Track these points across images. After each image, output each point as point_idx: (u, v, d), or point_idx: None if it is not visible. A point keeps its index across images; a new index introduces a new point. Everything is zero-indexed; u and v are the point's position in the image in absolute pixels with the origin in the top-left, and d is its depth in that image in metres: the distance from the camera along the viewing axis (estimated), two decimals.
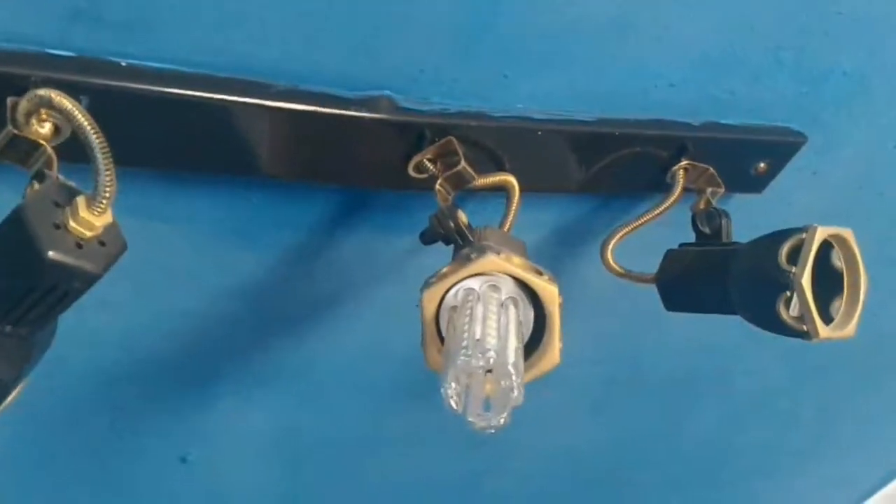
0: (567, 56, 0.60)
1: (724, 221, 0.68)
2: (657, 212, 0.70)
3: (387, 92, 0.58)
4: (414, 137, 0.59)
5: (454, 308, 0.50)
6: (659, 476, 1.19)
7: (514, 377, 0.42)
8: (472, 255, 0.49)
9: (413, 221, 0.66)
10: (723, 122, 0.71)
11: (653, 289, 0.71)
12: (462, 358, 0.42)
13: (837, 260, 0.61)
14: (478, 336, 0.43)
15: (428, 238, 0.57)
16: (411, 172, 0.61)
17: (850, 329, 0.62)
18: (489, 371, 0.43)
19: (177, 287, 0.67)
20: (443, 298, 0.50)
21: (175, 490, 0.88)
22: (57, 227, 0.41)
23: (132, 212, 0.58)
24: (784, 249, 0.60)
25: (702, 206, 0.69)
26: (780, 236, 0.61)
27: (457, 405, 0.43)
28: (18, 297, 0.42)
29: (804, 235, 0.60)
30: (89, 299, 0.42)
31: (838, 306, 0.63)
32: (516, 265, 0.49)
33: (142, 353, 0.72)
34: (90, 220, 0.42)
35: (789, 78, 0.70)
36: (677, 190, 0.70)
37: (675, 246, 0.71)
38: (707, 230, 0.68)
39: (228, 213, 0.63)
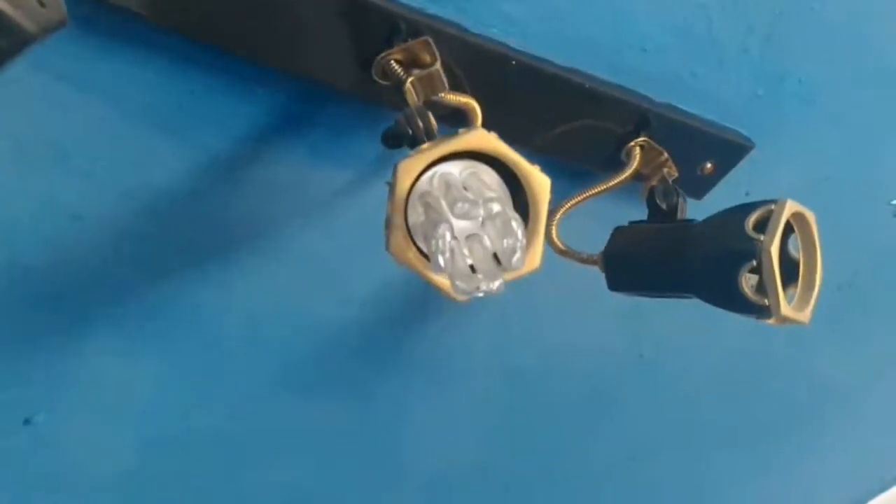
0: None
1: (680, 200, 0.66)
2: (609, 185, 0.68)
3: None
4: (386, 29, 0.54)
5: (427, 194, 0.45)
6: None
7: (518, 233, 0.37)
8: (459, 132, 0.44)
9: (354, 154, 0.64)
10: (681, 106, 0.70)
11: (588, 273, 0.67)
12: (461, 205, 0.37)
13: (793, 249, 0.60)
14: (476, 194, 0.38)
15: (392, 139, 0.52)
16: (375, 75, 0.56)
17: (807, 314, 0.61)
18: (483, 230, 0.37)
19: (64, 177, 0.58)
20: (416, 180, 0.45)
21: (10, 455, 0.75)
22: None
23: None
24: (752, 219, 0.59)
25: (659, 181, 0.67)
26: (746, 207, 0.60)
27: (444, 263, 0.37)
28: None
29: (773, 207, 0.59)
30: None
31: (793, 293, 0.61)
32: (506, 147, 0.44)
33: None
34: None
35: (749, 72, 0.71)
36: (633, 166, 0.68)
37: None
38: (664, 206, 0.66)
39: (160, 99, 0.56)
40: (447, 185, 0.44)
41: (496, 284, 0.40)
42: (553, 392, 0.99)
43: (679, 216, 0.67)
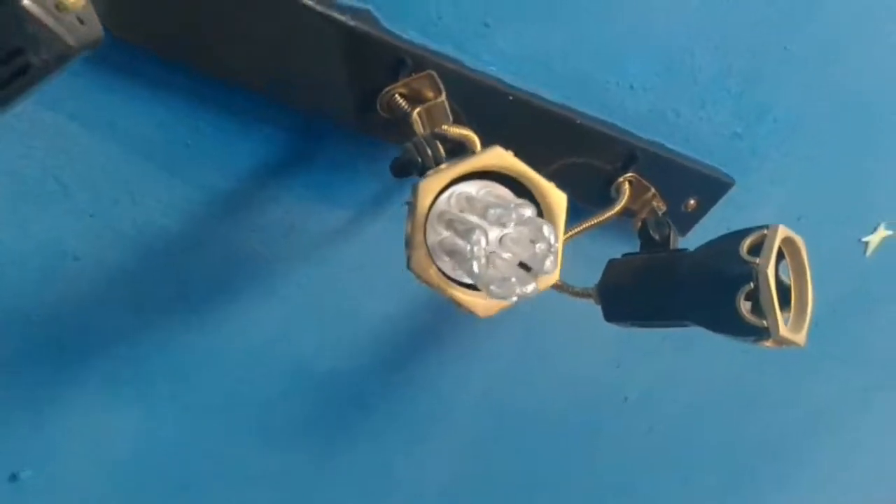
0: (548, 17, 0.61)
1: (672, 231, 0.69)
2: (600, 219, 0.70)
3: (371, 7, 0.55)
4: (392, 62, 0.57)
5: (446, 213, 0.46)
6: None
7: (551, 238, 0.38)
8: (476, 151, 0.46)
9: (351, 192, 0.65)
10: (666, 144, 0.73)
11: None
12: (494, 210, 0.39)
13: (784, 275, 0.63)
14: (507, 203, 0.40)
15: (400, 168, 0.54)
16: (379, 108, 0.58)
17: (802, 336, 0.63)
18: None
19: (65, 217, 0.58)
20: (434, 201, 0.46)
21: None
22: None
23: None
24: (746, 243, 0.61)
25: (650, 214, 0.69)
26: (739, 234, 0.63)
27: (479, 269, 0.39)
28: None
29: (766, 231, 0.61)
30: None
31: (787, 316, 0.64)
32: (523, 164, 0.46)
33: None
34: None
35: (729, 111, 0.75)
36: (623, 201, 0.71)
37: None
38: (657, 237, 0.68)
39: (164, 136, 0.57)
40: (468, 199, 0.45)
41: (530, 288, 0.41)
42: (541, 433, 0.99)
43: (672, 247, 0.69)
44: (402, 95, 0.57)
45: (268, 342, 0.74)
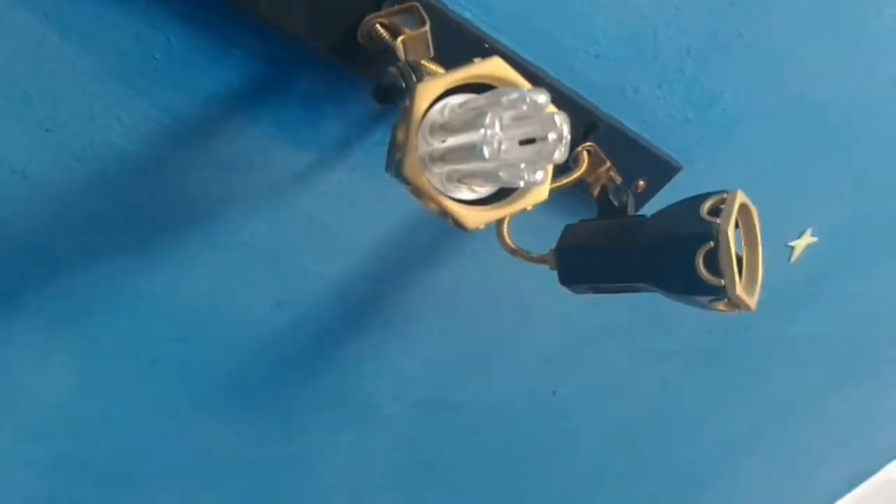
0: None
1: (630, 198, 0.70)
2: (558, 185, 0.71)
3: None
4: None
5: (437, 126, 0.46)
6: None
7: (564, 129, 0.39)
8: (475, 60, 0.46)
9: (316, 134, 0.65)
10: (622, 120, 0.76)
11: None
12: (508, 96, 0.39)
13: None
14: (512, 92, 0.40)
15: (382, 93, 0.53)
16: (360, 37, 0.58)
17: (754, 301, 0.65)
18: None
19: (21, 128, 0.57)
20: (427, 110, 0.46)
21: None
22: None
23: None
24: (706, 205, 0.63)
25: (609, 181, 0.71)
26: (698, 197, 0.65)
27: (490, 153, 0.39)
28: None
29: (725, 195, 0.63)
30: None
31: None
32: (520, 76, 0.47)
33: None
34: None
35: (683, 94, 0.77)
36: (581, 169, 0.72)
37: None
38: (616, 203, 0.70)
39: (136, 49, 0.56)
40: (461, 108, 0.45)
41: (539, 175, 0.41)
42: (473, 428, 0.98)
43: (629, 213, 0.71)
44: (382, 26, 0.57)
45: (207, 293, 0.72)
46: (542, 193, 0.48)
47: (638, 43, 0.71)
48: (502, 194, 0.49)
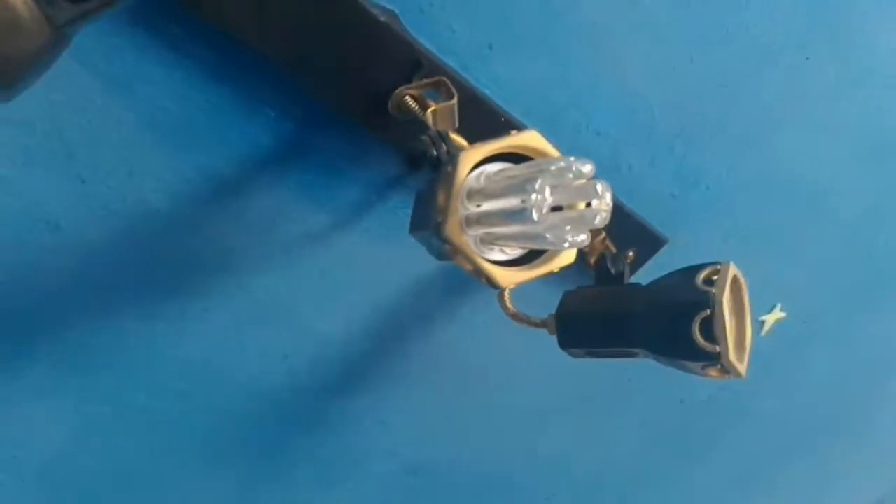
0: (541, 53, 0.68)
1: (626, 266, 0.75)
2: None
3: (394, 9, 0.60)
4: (410, 63, 0.61)
5: (473, 191, 0.51)
6: None
7: (607, 197, 0.43)
8: (512, 132, 0.51)
9: (334, 195, 0.68)
10: (616, 194, 0.81)
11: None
12: (556, 165, 0.43)
13: None
14: (560, 161, 0.44)
15: (414, 159, 0.58)
16: (390, 107, 0.62)
17: (744, 367, 0.70)
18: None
19: (59, 180, 0.59)
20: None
21: None
22: None
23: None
24: (701, 275, 0.68)
25: (606, 250, 0.75)
26: (692, 268, 0.70)
27: (539, 216, 0.43)
28: None
29: (720, 266, 0.69)
30: None
31: None
32: (553, 148, 0.51)
33: None
34: None
35: (671, 172, 0.83)
36: None
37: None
38: (613, 271, 0.74)
39: (177, 106, 0.59)
40: (500, 174, 0.49)
41: (581, 237, 0.45)
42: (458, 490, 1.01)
43: (625, 281, 0.75)
44: (412, 98, 0.61)
45: (217, 347, 0.73)
46: (569, 257, 0.52)
47: (635, 121, 0.77)
48: (530, 257, 0.53)
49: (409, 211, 0.69)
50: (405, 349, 0.83)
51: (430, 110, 0.59)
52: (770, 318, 1.08)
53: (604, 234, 0.79)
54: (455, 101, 0.60)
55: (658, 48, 0.71)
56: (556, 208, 0.47)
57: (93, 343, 0.68)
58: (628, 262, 0.87)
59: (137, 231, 0.62)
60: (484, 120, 0.66)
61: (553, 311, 0.75)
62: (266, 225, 0.67)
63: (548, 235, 0.43)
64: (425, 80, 0.61)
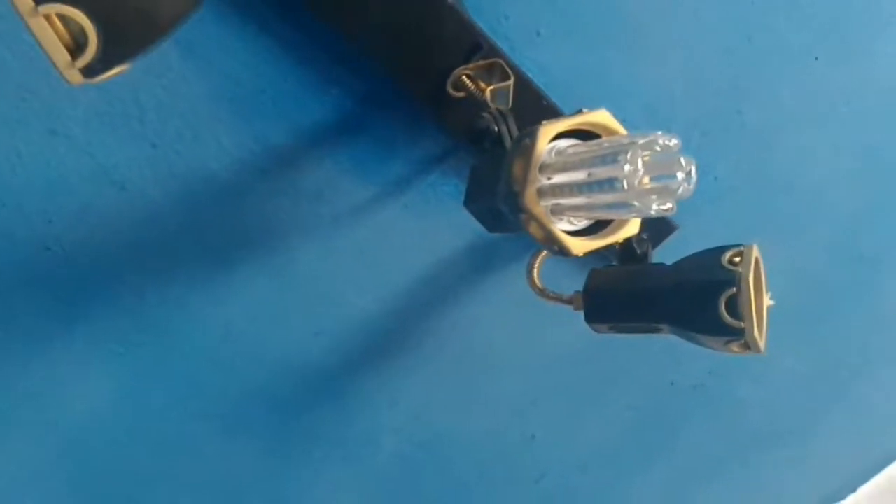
0: (583, 43, 0.72)
1: (649, 247, 0.80)
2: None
3: None
4: (470, 45, 0.64)
5: (545, 165, 0.55)
6: None
7: (691, 169, 0.47)
8: (584, 110, 0.55)
9: (383, 171, 0.71)
10: None
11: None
12: (646, 138, 0.47)
13: None
14: (648, 135, 0.49)
15: (476, 134, 0.61)
16: (449, 88, 0.66)
17: (763, 343, 0.75)
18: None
19: (132, 142, 0.61)
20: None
21: None
22: None
23: None
24: (727, 256, 0.73)
25: None
26: (717, 249, 0.74)
27: (629, 186, 0.47)
28: None
29: (744, 248, 0.73)
30: None
31: None
32: (621, 126, 0.55)
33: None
34: None
35: None
36: None
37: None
38: (639, 251, 0.79)
39: (249, 77, 0.61)
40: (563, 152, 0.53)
41: (668, 205, 0.49)
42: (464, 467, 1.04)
43: (649, 261, 0.80)
44: (468, 77, 0.65)
45: (256, 319, 0.76)
46: (633, 228, 0.56)
47: (658, 111, 0.81)
48: (594, 228, 0.57)
49: (449, 188, 0.73)
50: (425, 326, 0.86)
51: (489, 89, 0.62)
52: None
53: None
54: (511, 82, 0.64)
55: (686, 46, 0.76)
56: None
57: (141, 308, 0.69)
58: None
59: (196, 195, 0.64)
60: (529, 102, 0.70)
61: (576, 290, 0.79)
62: (314, 196, 0.70)
63: (636, 203, 0.47)
64: (482, 62, 0.64)
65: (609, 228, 0.55)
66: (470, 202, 0.63)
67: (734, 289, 0.70)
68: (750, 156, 0.90)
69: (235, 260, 0.70)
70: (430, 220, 0.75)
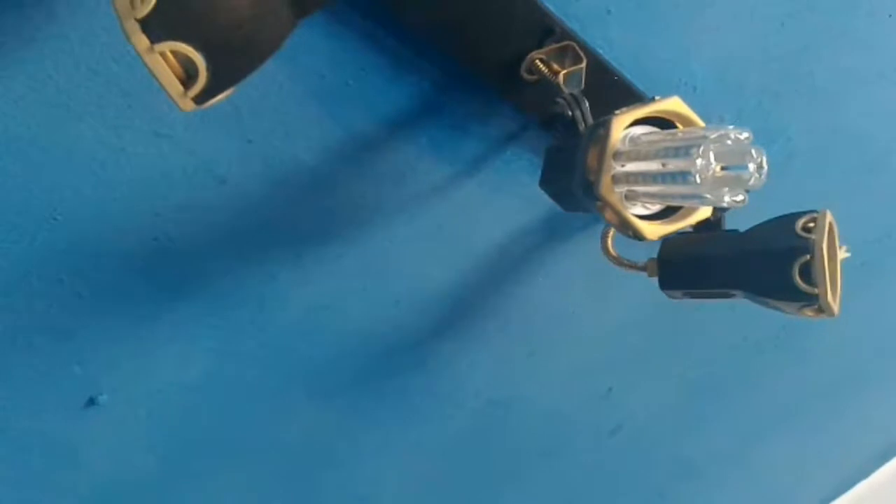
0: (650, 18, 0.75)
1: (723, 213, 0.81)
2: None
3: None
4: (542, 30, 0.67)
5: (619, 153, 0.57)
6: None
7: (762, 159, 0.50)
8: (656, 98, 0.57)
9: (459, 150, 0.74)
10: None
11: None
12: (715, 131, 0.50)
13: None
14: (720, 128, 0.51)
15: (549, 119, 0.64)
16: (523, 73, 0.68)
17: (837, 307, 0.77)
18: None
19: (229, 139, 0.65)
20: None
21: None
22: None
23: None
24: (801, 222, 0.74)
25: None
26: (790, 216, 0.76)
27: (702, 180, 0.49)
28: None
29: (817, 214, 0.75)
30: None
31: None
32: (694, 114, 0.57)
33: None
34: None
35: (757, 124, 0.89)
36: None
37: None
38: (711, 218, 0.81)
39: (334, 72, 0.65)
40: (637, 140, 0.56)
41: (740, 197, 0.52)
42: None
43: (722, 227, 0.82)
44: (542, 61, 0.67)
45: (341, 293, 0.81)
46: (706, 213, 0.58)
47: (728, 79, 0.83)
48: (668, 212, 0.59)
49: (522, 163, 0.76)
50: (501, 294, 0.91)
51: (562, 73, 0.65)
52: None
53: None
54: (584, 64, 0.66)
55: (752, 15, 0.77)
56: None
57: (237, 288, 0.75)
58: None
59: (290, 185, 0.69)
60: (603, 81, 0.72)
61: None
62: (396, 179, 0.74)
63: (708, 195, 0.50)
64: (555, 45, 0.66)
65: (682, 213, 0.59)
66: (545, 184, 0.67)
67: (808, 255, 0.72)
68: (822, 115, 0.91)
69: (324, 241, 0.75)
70: (504, 195, 0.79)
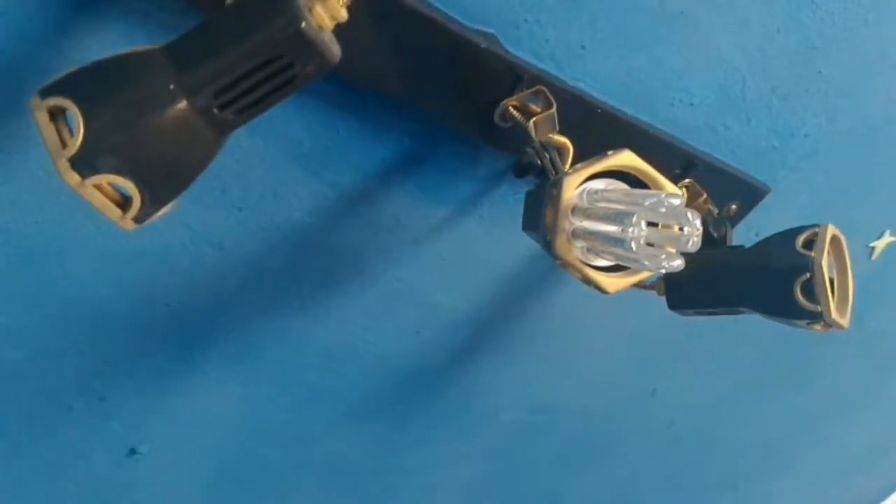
0: (632, 45, 0.73)
1: (728, 229, 0.80)
2: None
3: (493, 31, 0.67)
4: (511, 79, 0.67)
5: (577, 208, 0.57)
6: None
7: (696, 223, 0.50)
8: (608, 153, 0.57)
9: (451, 191, 0.75)
10: (714, 154, 0.86)
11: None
12: (650, 199, 0.50)
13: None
14: (659, 193, 0.51)
15: (521, 170, 0.65)
16: (496, 118, 0.69)
17: (846, 320, 0.75)
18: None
19: (219, 210, 0.69)
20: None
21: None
22: (307, 7, 0.46)
23: None
24: (800, 239, 0.73)
25: (707, 214, 0.81)
26: (792, 231, 0.74)
27: (636, 246, 0.50)
28: (245, 72, 0.45)
29: (817, 229, 0.73)
30: None
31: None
32: (647, 165, 0.57)
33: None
34: (336, 9, 0.47)
35: (769, 126, 0.87)
36: None
37: None
38: (715, 234, 0.80)
39: (311, 137, 0.68)
40: (597, 193, 0.56)
41: (676, 263, 0.52)
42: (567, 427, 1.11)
43: (728, 244, 0.81)
44: (514, 108, 0.68)
45: (357, 331, 0.84)
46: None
47: (728, 89, 0.81)
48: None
49: (518, 196, 0.77)
50: (519, 315, 0.92)
51: (532, 121, 0.66)
52: (880, 244, 1.12)
53: (705, 196, 0.85)
54: (554, 109, 0.67)
55: (744, 26, 0.75)
56: (650, 224, 0.54)
57: (254, 338, 0.79)
58: (731, 214, 0.93)
59: (286, 242, 0.73)
60: (584, 115, 0.73)
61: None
62: (392, 225, 0.76)
63: (646, 262, 0.51)
64: (526, 91, 0.67)
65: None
66: (526, 229, 0.68)
67: (808, 274, 0.71)
68: (838, 110, 0.89)
69: (330, 287, 0.78)
70: (505, 227, 0.81)
